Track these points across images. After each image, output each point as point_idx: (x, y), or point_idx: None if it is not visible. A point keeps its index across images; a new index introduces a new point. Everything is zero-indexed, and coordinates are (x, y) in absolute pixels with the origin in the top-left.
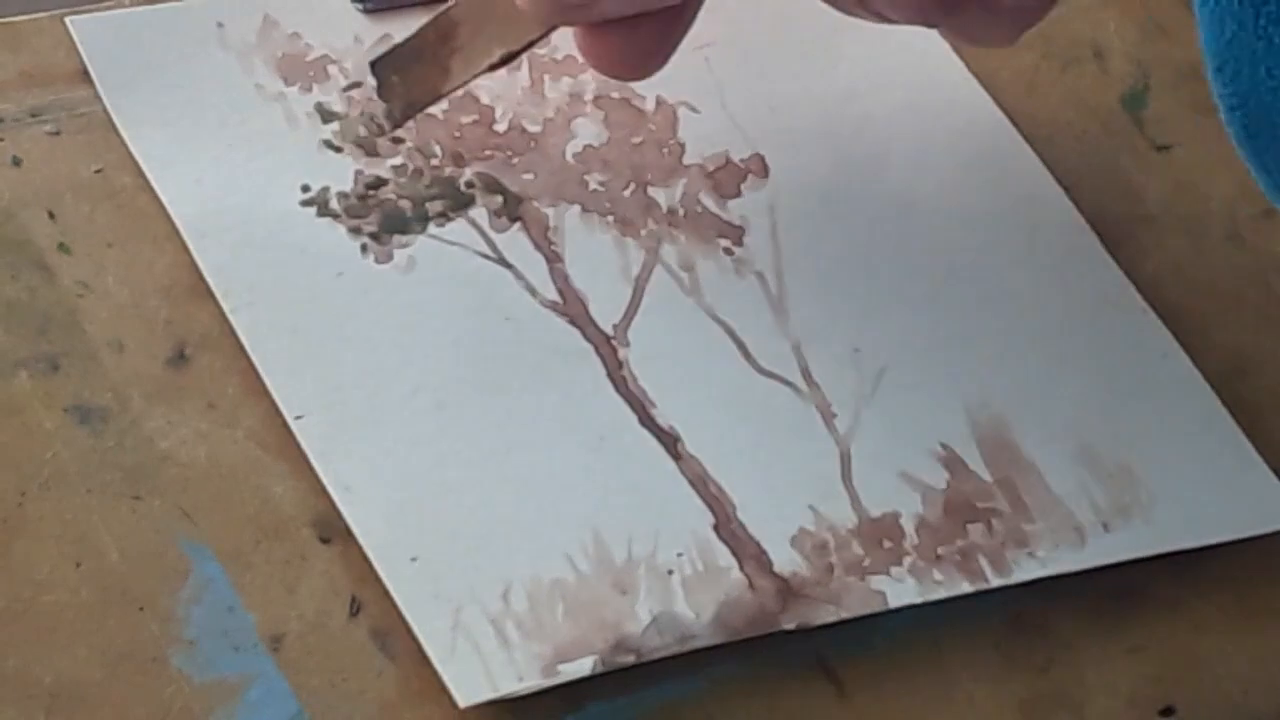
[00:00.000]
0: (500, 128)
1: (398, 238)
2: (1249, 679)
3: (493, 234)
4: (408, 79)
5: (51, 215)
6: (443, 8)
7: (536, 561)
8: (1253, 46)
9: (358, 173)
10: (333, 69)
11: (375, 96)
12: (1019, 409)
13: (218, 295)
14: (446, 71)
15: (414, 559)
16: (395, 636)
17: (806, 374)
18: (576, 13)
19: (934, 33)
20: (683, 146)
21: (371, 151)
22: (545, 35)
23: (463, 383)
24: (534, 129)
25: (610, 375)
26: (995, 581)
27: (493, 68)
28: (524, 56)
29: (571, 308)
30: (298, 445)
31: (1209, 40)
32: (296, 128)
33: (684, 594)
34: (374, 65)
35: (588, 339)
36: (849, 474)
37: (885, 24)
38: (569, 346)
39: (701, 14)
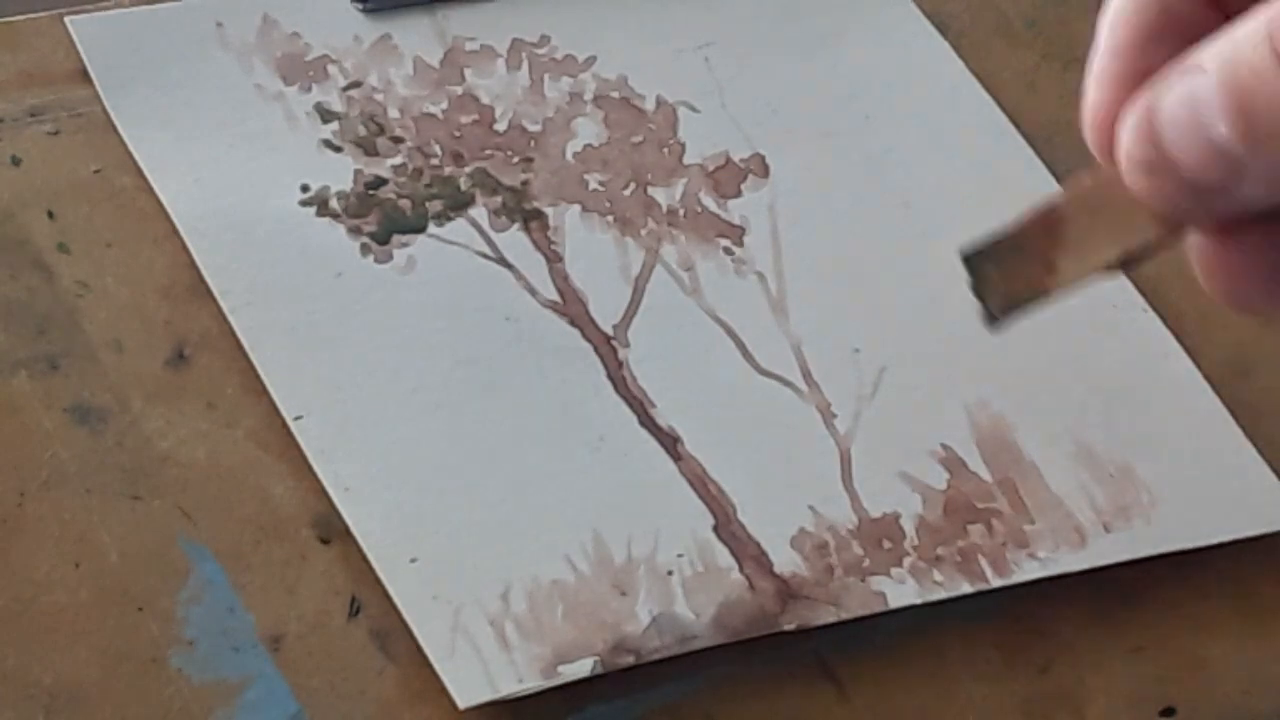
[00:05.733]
0: (500, 127)
1: (397, 237)
2: (1249, 679)
3: (493, 234)
4: (1007, 275)
5: (51, 215)
6: (1048, 200)
7: (536, 562)
8: None
9: (357, 172)
10: (332, 68)
11: (970, 292)
12: (1019, 409)
13: (217, 295)
14: (1053, 270)
15: (413, 560)
16: (395, 636)
17: (807, 374)
18: (1212, 199)
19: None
20: (683, 146)
21: (371, 151)
22: (1171, 239)
23: (462, 383)
24: (534, 129)
25: (610, 375)
26: (995, 582)
27: (1109, 270)
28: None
29: (571, 308)
30: (298, 445)
31: None
32: (296, 127)
33: (684, 595)
34: (966, 258)
35: (588, 339)
36: (849, 474)
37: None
38: (569, 346)
39: (701, 14)
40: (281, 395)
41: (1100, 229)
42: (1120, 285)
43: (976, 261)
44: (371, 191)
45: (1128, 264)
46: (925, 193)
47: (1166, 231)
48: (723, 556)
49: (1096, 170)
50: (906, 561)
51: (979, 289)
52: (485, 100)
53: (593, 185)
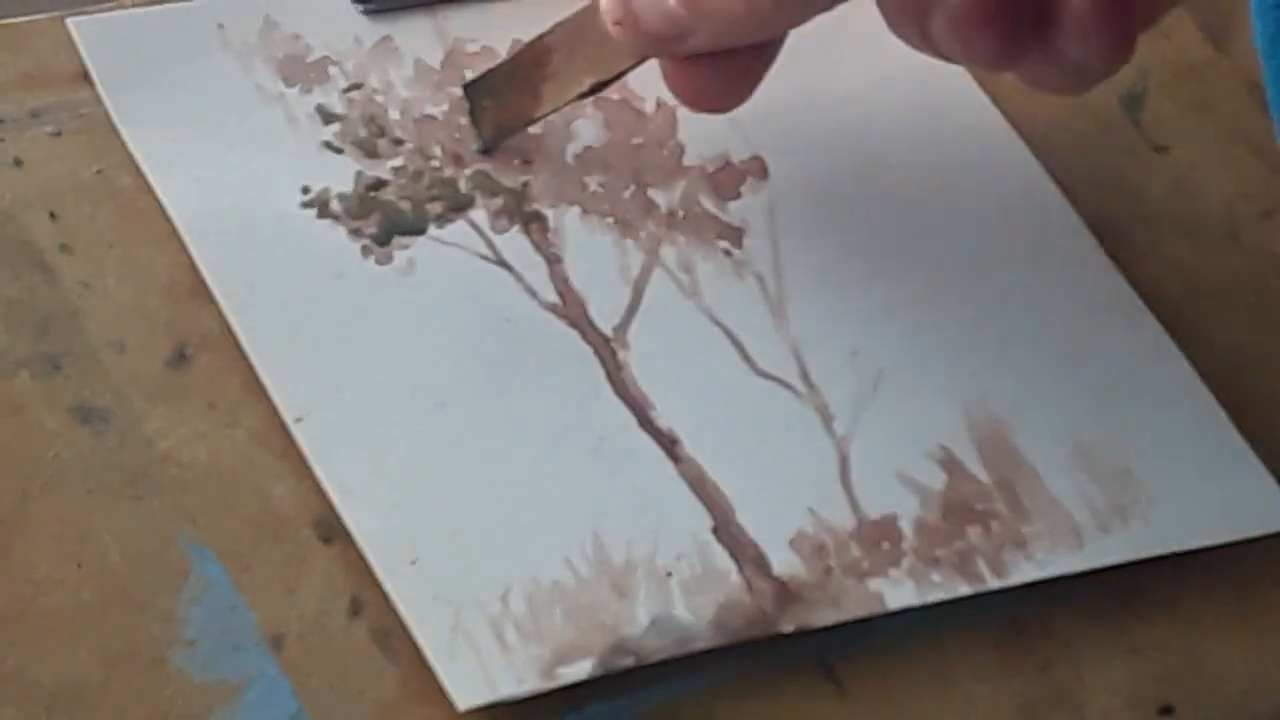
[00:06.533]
0: None
1: (398, 239)
2: (1249, 679)
3: (493, 235)
4: (499, 103)
5: (52, 216)
6: (538, 35)
7: (536, 564)
8: None
9: (358, 174)
10: (333, 70)
11: (467, 120)
12: (1017, 411)
13: (217, 296)
14: (538, 97)
15: (413, 561)
16: (395, 636)
17: (805, 376)
18: (667, 46)
19: None
20: (682, 148)
21: (372, 153)
22: (636, 66)
23: (462, 384)
24: (534, 130)
25: (610, 377)
26: (993, 584)
27: (582, 96)
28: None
29: (571, 309)
30: (298, 445)
31: (1265, 43)
32: (297, 129)
33: (683, 596)
34: (466, 89)
35: (587, 341)
36: (847, 476)
37: (947, 62)
38: (568, 348)
39: None
40: (282, 397)
41: (580, 60)
42: (1118, 286)
43: (474, 93)
44: (372, 193)
45: (598, 90)
46: (925, 194)
47: (634, 63)
48: (722, 558)
49: (582, 10)
50: (905, 563)
51: (474, 118)
52: None
53: (592, 187)
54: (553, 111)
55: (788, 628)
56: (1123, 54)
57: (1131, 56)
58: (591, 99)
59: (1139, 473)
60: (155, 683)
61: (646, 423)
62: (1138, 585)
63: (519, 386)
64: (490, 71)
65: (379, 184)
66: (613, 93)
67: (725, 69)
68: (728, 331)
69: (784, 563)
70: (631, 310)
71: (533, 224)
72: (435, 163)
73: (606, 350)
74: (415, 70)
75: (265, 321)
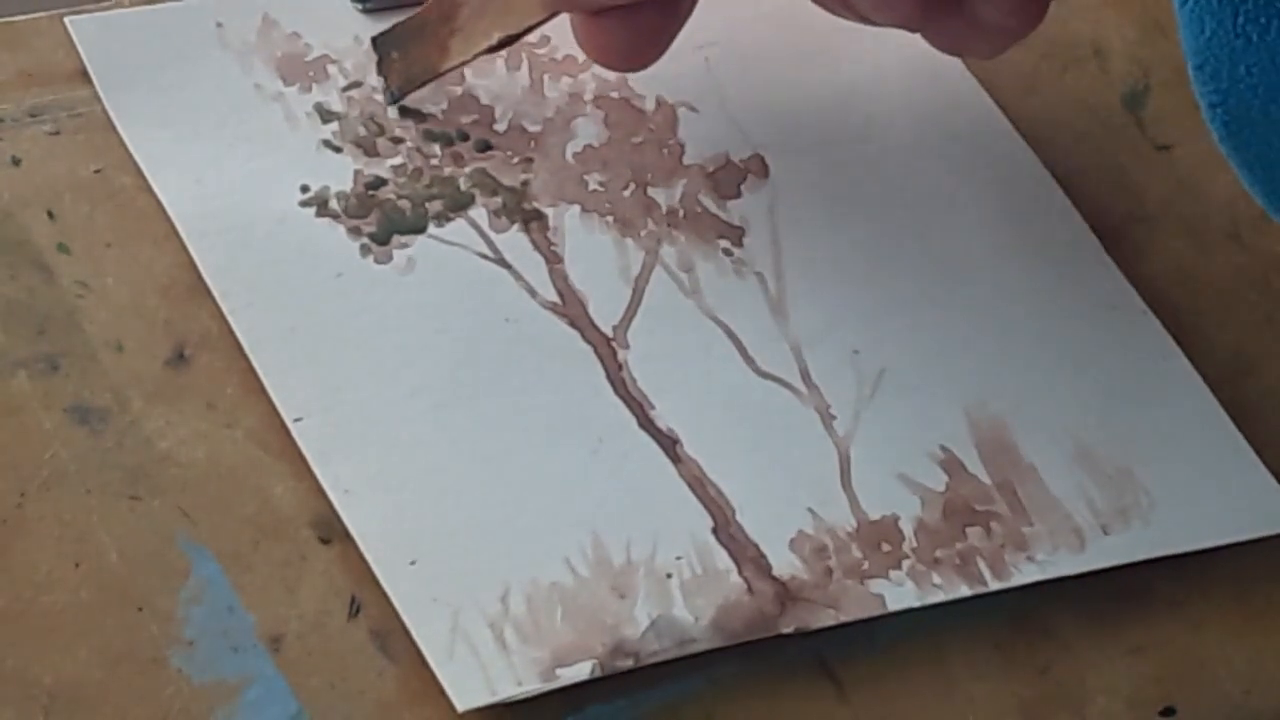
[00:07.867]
0: (500, 128)
1: (397, 238)
2: (1249, 679)
3: (492, 234)
4: (407, 56)
5: (51, 215)
6: None
7: (535, 565)
8: (1231, 44)
9: (357, 173)
10: (332, 69)
11: (375, 72)
12: (1018, 411)
13: (217, 296)
14: (445, 51)
15: (412, 562)
16: (395, 637)
17: (806, 376)
18: None
19: None
20: (683, 147)
21: (371, 151)
22: (544, 21)
23: (462, 384)
24: (534, 129)
25: (610, 377)
26: (994, 585)
27: (491, 50)
28: (525, 55)
29: (571, 309)
30: (297, 445)
31: (1189, 38)
32: (296, 127)
33: (682, 597)
34: (375, 41)
35: (587, 340)
36: (848, 476)
37: (867, 25)
38: (568, 348)
39: (701, 14)
40: (281, 397)
41: (488, 14)
42: (1120, 286)
43: (382, 46)
44: (371, 192)
45: (506, 44)
46: (925, 194)
47: (543, 17)
48: (721, 559)
49: None
50: (905, 564)
51: (382, 69)
52: (485, 100)
53: (592, 186)
54: (460, 65)
55: (787, 629)
56: (1036, 13)
57: (1044, 15)
58: (585, 91)
59: (1140, 473)
60: (154, 683)
61: (646, 423)
62: (1138, 586)
63: (518, 386)
64: (399, 25)
65: (378, 183)
66: (612, 91)
67: (636, 26)
68: (728, 331)
69: (784, 564)
70: (631, 310)
71: (532, 223)
72: (434, 161)
73: (606, 350)
74: None
75: (264, 321)
